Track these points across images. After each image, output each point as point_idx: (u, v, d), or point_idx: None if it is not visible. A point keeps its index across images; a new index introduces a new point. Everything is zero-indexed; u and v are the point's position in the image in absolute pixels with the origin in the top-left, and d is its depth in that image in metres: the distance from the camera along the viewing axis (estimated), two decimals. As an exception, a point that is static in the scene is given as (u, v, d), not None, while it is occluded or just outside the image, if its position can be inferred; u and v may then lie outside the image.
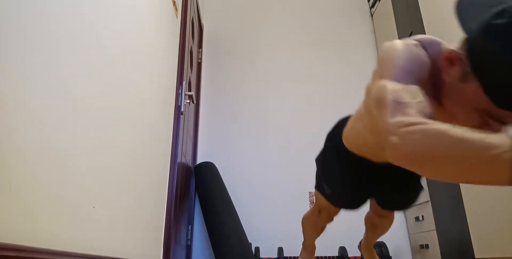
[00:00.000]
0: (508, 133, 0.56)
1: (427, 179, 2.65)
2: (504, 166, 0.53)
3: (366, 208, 1.81)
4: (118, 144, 1.20)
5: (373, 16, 3.69)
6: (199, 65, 3.41)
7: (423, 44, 0.85)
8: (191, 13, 2.80)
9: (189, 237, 2.66)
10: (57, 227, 0.80)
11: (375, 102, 0.76)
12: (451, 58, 0.77)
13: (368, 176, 1.21)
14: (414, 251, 2.87)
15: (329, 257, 2.71)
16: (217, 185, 2.81)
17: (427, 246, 2.61)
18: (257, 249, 2.69)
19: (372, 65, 1.61)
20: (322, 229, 1.72)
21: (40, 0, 0.76)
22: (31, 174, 0.71)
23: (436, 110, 0.81)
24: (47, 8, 0.78)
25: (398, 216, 2.99)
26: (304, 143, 3.11)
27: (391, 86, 0.74)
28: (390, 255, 2.64)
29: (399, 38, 1.78)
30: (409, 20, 2.92)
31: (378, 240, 2.32)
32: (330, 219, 1.57)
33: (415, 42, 0.85)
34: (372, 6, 3.70)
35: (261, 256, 2.69)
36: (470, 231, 2.04)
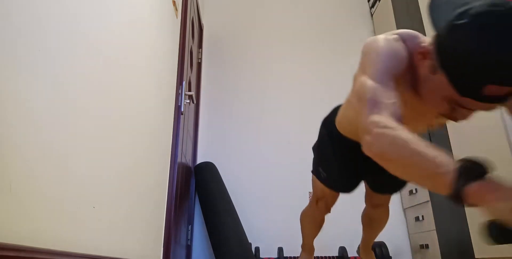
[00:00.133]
0: (457, 160, 0.66)
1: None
2: (445, 184, 0.64)
3: (362, 206, 1.82)
4: (118, 144, 1.20)
5: (373, 16, 3.69)
6: (199, 65, 3.41)
7: (403, 38, 0.94)
8: (191, 13, 2.80)
9: (189, 237, 2.66)
10: (57, 227, 0.80)
11: (357, 97, 0.90)
12: (423, 53, 0.88)
13: (360, 158, 1.24)
14: (414, 251, 2.87)
15: (329, 257, 2.71)
16: (217, 185, 2.81)
17: (427, 246, 2.61)
18: (257, 249, 2.69)
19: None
20: (320, 223, 1.80)
21: (41, 0, 0.76)
22: (31, 174, 0.71)
23: (414, 97, 0.94)
24: (47, 8, 0.78)
25: (398, 216, 2.99)
26: (304, 143, 3.09)
27: (371, 85, 0.84)
28: (390, 255, 2.64)
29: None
30: (409, 20, 2.92)
31: (378, 240, 2.33)
32: (328, 209, 1.66)
33: (396, 36, 0.94)
34: (372, 6, 3.70)
35: (261, 256, 2.69)
36: (470, 231, 2.04)
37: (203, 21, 3.57)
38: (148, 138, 1.58)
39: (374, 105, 0.80)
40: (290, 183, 3.01)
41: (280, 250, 2.69)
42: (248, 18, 3.73)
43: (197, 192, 2.86)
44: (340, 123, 1.36)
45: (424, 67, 0.88)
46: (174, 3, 2.11)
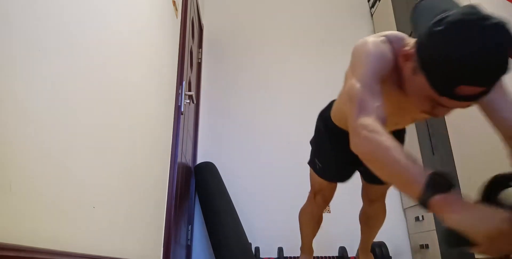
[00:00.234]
0: (430, 172, 0.75)
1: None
2: (414, 192, 0.75)
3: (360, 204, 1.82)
4: (118, 144, 1.20)
5: (373, 16, 3.70)
6: (199, 65, 3.41)
7: (390, 40, 1.02)
8: (191, 13, 2.80)
9: (189, 237, 2.66)
10: (57, 227, 0.80)
11: (347, 97, 0.98)
12: (406, 55, 0.96)
13: None
14: (414, 251, 2.87)
15: (329, 257, 2.71)
16: (217, 185, 2.81)
17: (427, 246, 2.61)
18: (257, 249, 2.69)
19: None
20: (318, 220, 1.86)
21: (40, 0, 0.76)
22: (31, 174, 0.71)
23: (400, 94, 1.02)
24: (47, 8, 0.78)
25: (398, 216, 2.99)
26: (304, 142, 3.08)
27: (359, 89, 0.93)
28: (390, 255, 2.64)
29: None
30: (409, 20, 2.92)
31: (378, 240, 2.33)
32: (326, 202, 1.73)
33: (383, 38, 1.02)
34: (372, 6, 3.70)
35: (261, 256, 2.69)
36: (470, 231, 2.04)
37: (203, 21, 3.57)
38: (148, 138, 1.58)
39: (362, 108, 0.90)
40: (290, 183, 3.01)
41: (280, 250, 2.69)
42: (248, 18, 3.73)
43: (197, 192, 2.86)
44: (335, 115, 1.46)
45: (407, 68, 0.96)
46: (174, 3, 2.11)
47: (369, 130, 0.85)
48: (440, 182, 0.73)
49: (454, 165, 2.21)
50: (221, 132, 3.27)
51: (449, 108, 0.92)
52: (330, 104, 1.55)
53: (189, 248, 2.66)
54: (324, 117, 1.54)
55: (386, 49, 1.00)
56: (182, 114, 2.22)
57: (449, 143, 2.27)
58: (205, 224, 2.73)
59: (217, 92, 3.41)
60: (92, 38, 1.01)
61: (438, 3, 0.96)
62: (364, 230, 1.92)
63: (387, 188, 1.74)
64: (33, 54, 0.73)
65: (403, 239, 2.93)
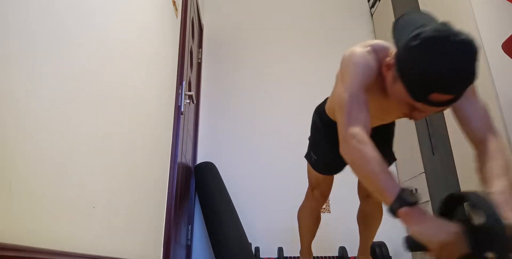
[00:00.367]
0: (402, 188, 0.91)
1: (428, 180, 2.66)
2: (386, 202, 0.92)
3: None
4: (118, 144, 1.20)
5: (373, 16, 3.70)
6: (199, 65, 3.41)
7: (374, 49, 1.14)
8: (191, 13, 2.80)
9: (189, 237, 2.66)
10: (57, 227, 0.80)
11: (336, 105, 1.13)
12: (388, 65, 1.08)
13: None
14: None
15: (329, 257, 2.71)
16: (217, 185, 2.81)
17: (427, 246, 2.60)
18: (257, 249, 2.69)
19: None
20: (317, 218, 1.91)
21: (40, 0, 0.76)
22: (31, 174, 0.71)
23: (384, 98, 1.15)
24: (47, 8, 0.78)
25: (398, 216, 2.99)
26: (304, 143, 3.09)
27: (347, 100, 1.06)
28: (390, 255, 2.64)
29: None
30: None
31: (378, 240, 2.33)
32: (323, 197, 1.80)
33: (368, 48, 1.14)
34: (372, 6, 3.70)
35: (261, 256, 2.68)
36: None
37: (203, 21, 3.57)
38: (148, 138, 1.58)
39: (351, 118, 1.04)
40: (290, 183, 3.01)
41: (280, 250, 2.69)
42: (248, 18, 3.73)
43: (197, 192, 2.86)
44: (329, 109, 1.56)
45: (389, 76, 1.08)
46: (174, 3, 2.11)
47: (357, 140, 1.00)
48: (408, 197, 0.89)
49: (454, 165, 2.21)
50: (221, 132, 3.26)
51: (424, 112, 1.03)
52: (325, 100, 1.67)
53: (189, 248, 2.66)
54: (320, 111, 1.64)
55: (371, 59, 1.12)
56: (182, 114, 2.22)
57: (449, 143, 2.27)
58: (205, 224, 2.73)
59: (217, 92, 3.41)
60: (92, 38, 1.01)
61: (417, 18, 1.07)
62: (362, 231, 1.93)
63: None
64: (33, 54, 0.73)
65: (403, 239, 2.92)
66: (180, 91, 2.19)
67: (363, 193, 1.79)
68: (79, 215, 0.90)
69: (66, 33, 0.86)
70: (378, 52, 1.13)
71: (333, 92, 1.47)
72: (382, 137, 1.59)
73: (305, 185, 1.94)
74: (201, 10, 3.38)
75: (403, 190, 0.90)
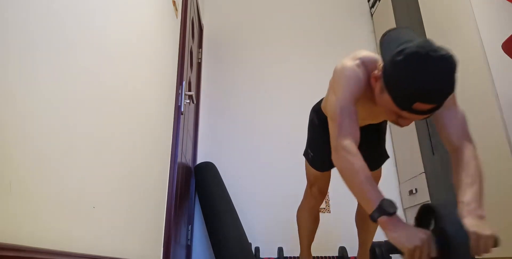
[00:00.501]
0: (383, 199, 1.04)
1: (428, 180, 2.66)
2: (369, 208, 1.04)
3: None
4: (117, 144, 1.20)
5: (373, 16, 3.69)
6: (199, 65, 3.41)
7: (364, 62, 1.24)
8: (191, 13, 2.80)
9: (189, 237, 2.66)
10: (57, 227, 0.80)
11: (329, 115, 1.25)
12: (375, 77, 1.18)
13: None
14: (414, 251, 2.86)
15: (329, 257, 2.71)
16: (217, 185, 2.81)
17: (427, 246, 2.60)
18: (257, 249, 2.69)
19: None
20: (316, 217, 1.95)
21: (40, 0, 0.76)
22: (31, 174, 0.71)
23: (373, 106, 1.25)
24: (47, 8, 0.78)
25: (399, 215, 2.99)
26: (304, 143, 3.10)
27: (339, 112, 1.18)
28: (390, 255, 2.64)
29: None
30: (409, 20, 2.92)
31: (378, 239, 2.33)
32: (322, 194, 1.85)
33: (358, 61, 1.24)
34: (372, 6, 3.70)
35: (261, 256, 2.68)
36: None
37: (203, 21, 3.57)
38: (148, 138, 1.58)
39: (342, 130, 1.15)
40: (290, 183, 3.01)
41: (280, 250, 2.69)
42: (248, 18, 3.73)
43: (197, 192, 2.86)
44: (324, 108, 1.63)
45: (377, 88, 1.17)
46: (174, 3, 2.11)
47: (347, 151, 1.12)
48: (387, 208, 1.01)
49: (454, 165, 2.21)
50: (221, 132, 3.26)
51: (409, 119, 1.13)
52: (321, 100, 1.76)
53: (189, 248, 2.66)
54: (316, 110, 1.74)
55: (360, 72, 1.22)
56: (182, 114, 2.22)
57: (449, 143, 2.26)
58: (205, 224, 2.72)
59: (217, 92, 3.41)
60: (91, 38, 1.01)
61: (402, 34, 1.16)
62: (360, 233, 1.95)
63: (376, 178, 1.80)
64: (33, 54, 0.73)
65: (403, 239, 2.92)
66: (180, 91, 2.19)
67: None
68: (79, 215, 0.90)
69: (65, 33, 0.86)
70: (367, 65, 1.23)
71: (326, 98, 1.57)
72: (374, 132, 1.69)
73: (305, 184, 1.94)
74: (201, 10, 3.38)
75: (383, 201, 1.03)
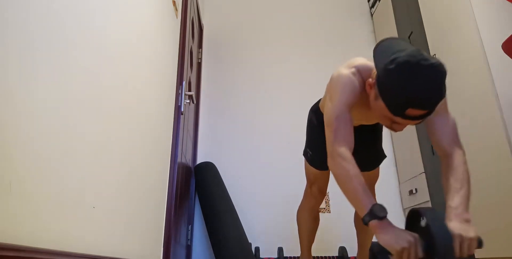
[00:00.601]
0: (374, 203, 1.11)
1: (428, 180, 2.66)
2: (362, 212, 1.12)
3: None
4: (118, 144, 1.20)
5: (373, 16, 3.69)
6: (199, 65, 3.41)
7: (359, 70, 1.30)
8: (191, 13, 2.80)
9: (189, 237, 2.66)
10: (57, 227, 0.80)
11: (325, 121, 1.30)
12: (370, 85, 1.24)
13: None
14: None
15: (329, 257, 2.71)
16: (217, 185, 2.81)
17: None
18: (257, 249, 2.69)
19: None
20: (316, 217, 1.97)
21: (40, 0, 0.76)
22: (31, 174, 0.71)
23: (367, 110, 1.30)
24: (47, 8, 0.78)
25: (398, 216, 2.99)
26: (304, 143, 3.10)
27: (335, 119, 1.24)
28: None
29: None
30: (409, 20, 2.92)
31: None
32: (321, 193, 1.87)
33: (353, 69, 1.30)
34: (372, 6, 3.70)
35: (261, 256, 2.68)
36: (470, 231, 2.04)
37: (203, 21, 3.57)
38: (148, 138, 1.58)
39: (338, 136, 1.22)
40: (290, 183, 3.01)
41: (280, 250, 2.69)
42: (248, 18, 3.73)
43: (197, 192, 2.86)
44: (322, 107, 1.67)
45: (371, 94, 1.23)
46: (174, 3, 2.11)
47: (343, 158, 1.18)
48: (378, 212, 1.08)
49: (454, 165, 2.21)
50: (221, 132, 3.26)
51: (402, 125, 1.18)
52: (319, 101, 1.80)
53: (189, 248, 2.66)
54: (315, 109, 1.78)
55: (356, 80, 1.28)
56: (182, 114, 2.22)
57: (449, 143, 2.26)
58: (205, 224, 2.72)
59: (217, 92, 3.41)
60: (91, 38, 1.01)
61: (394, 44, 1.20)
62: (359, 234, 1.96)
63: (373, 178, 1.84)
64: (33, 54, 0.73)
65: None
66: (180, 91, 2.19)
67: None
68: (79, 215, 0.90)
69: (65, 33, 0.86)
70: (362, 72, 1.29)
71: (323, 102, 1.65)
72: (370, 132, 1.72)
73: (305, 184, 1.94)
74: (201, 10, 3.38)
75: (374, 206, 1.09)
